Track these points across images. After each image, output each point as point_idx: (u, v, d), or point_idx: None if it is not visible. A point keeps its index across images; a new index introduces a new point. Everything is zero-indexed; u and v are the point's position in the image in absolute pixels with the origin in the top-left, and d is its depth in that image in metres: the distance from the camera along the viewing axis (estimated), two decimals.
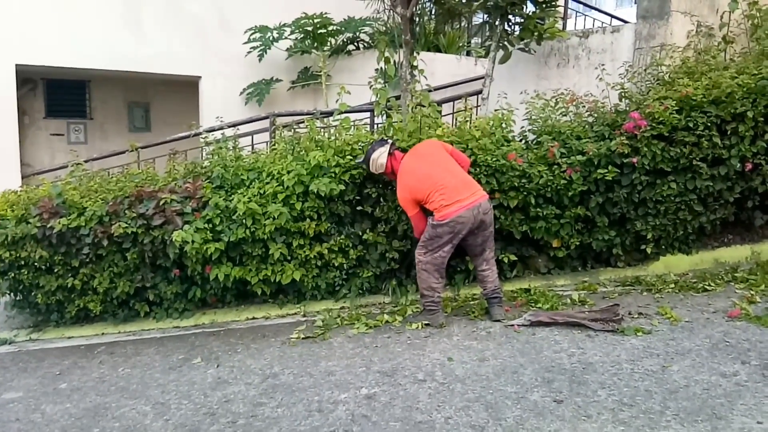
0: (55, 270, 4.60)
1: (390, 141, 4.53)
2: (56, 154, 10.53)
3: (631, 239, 5.12)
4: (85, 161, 5.54)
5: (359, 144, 4.82)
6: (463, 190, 4.12)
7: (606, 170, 4.78)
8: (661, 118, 4.82)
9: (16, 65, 8.30)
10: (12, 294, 4.84)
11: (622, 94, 5.36)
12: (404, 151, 4.59)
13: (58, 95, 10.76)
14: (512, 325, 4.15)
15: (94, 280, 4.63)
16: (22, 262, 4.55)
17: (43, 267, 4.60)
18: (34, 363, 4.17)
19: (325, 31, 9.26)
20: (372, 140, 4.76)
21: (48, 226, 4.45)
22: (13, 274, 4.61)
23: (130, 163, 6.50)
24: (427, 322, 4.28)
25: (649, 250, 5.10)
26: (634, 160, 4.76)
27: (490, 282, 4.32)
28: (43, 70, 9.26)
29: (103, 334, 4.72)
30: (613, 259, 5.21)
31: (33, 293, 4.70)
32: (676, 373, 3.32)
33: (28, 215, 4.55)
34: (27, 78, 9.94)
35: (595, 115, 5.34)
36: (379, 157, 4.39)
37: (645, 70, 5.67)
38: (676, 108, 4.84)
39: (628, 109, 5.18)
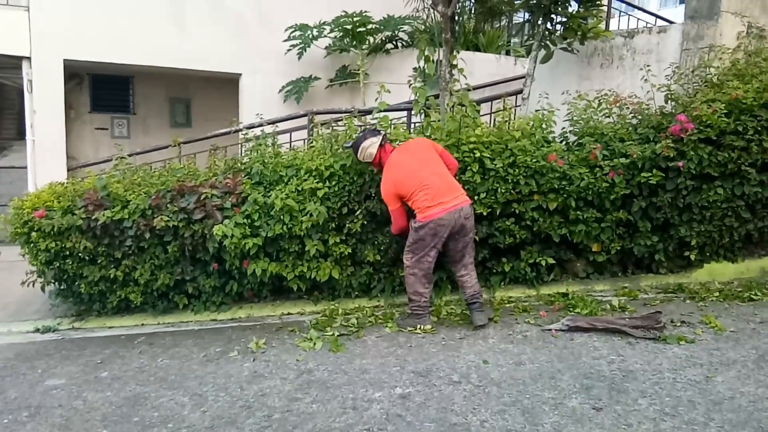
0: (99, 261, 4.71)
1: (383, 132, 4.48)
2: (100, 147, 10.79)
3: (675, 245, 5.00)
4: (129, 155, 5.66)
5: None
6: (447, 192, 4.11)
7: (650, 174, 4.67)
8: (708, 122, 4.69)
9: (64, 60, 8.54)
10: (56, 283, 4.97)
11: (668, 96, 5.23)
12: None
13: (103, 90, 11.04)
14: (550, 330, 4.09)
15: (135, 272, 4.72)
16: (67, 253, 4.66)
17: (87, 258, 4.71)
18: (76, 351, 4.27)
19: (364, 29, 9.26)
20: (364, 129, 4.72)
21: (93, 217, 4.55)
22: (58, 264, 4.73)
23: (172, 157, 6.60)
24: (414, 327, 4.26)
25: (692, 257, 4.96)
26: (680, 164, 4.64)
27: (469, 287, 4.27)
28: (90, 65, 9.49)
29: (143, 324, 4.82)
30: (654, 265, 5.09)
31: (76, 283, 4.82)
32: (721, 384, 3.22)
33: (73, 207, 4.67)
34: (74, 73, 10.21)
35: (640, 117, 5.23)
36: (370, 147, 4.35)
37: (692, 71, 5.52)
38: (725, 111, 4.71)
39: (674, 111, 5.06)
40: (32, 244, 4.65)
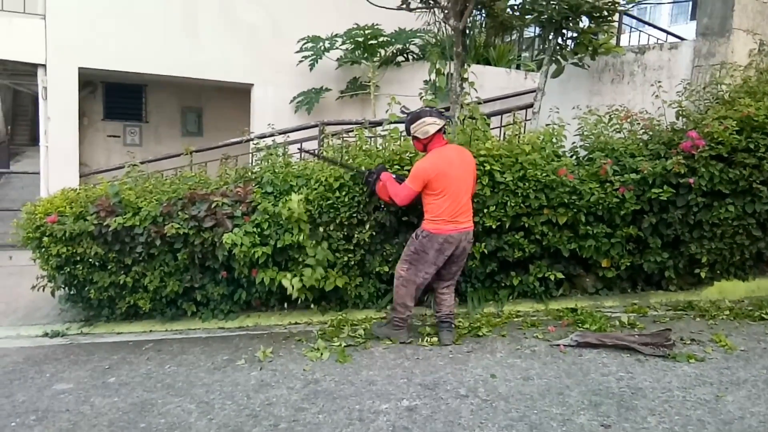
0: (109, 267, 4.74)
1: (447, 121, 4.34)
2: (112, 155, 10.91)
3: (685, 262, 4.96)
4: (141, 163, 5.71)
5: (408, 154, 4.82)
6: (464, 214, 4.15)
7: (661, 190, 4.65)
8: (720, 139, 4.67)
9: (79, 68, 8.65)
10: (66, 288, 5.00)
11: (680, 112, 5.22)
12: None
13: (116, 98, 11.16)
14: (558, 345, 4.06)
15: (145, 278, 4.75)
16: (78, 258, 4.70)
17: (98, 263, 4.75)
18: (84, 356, 4.29)
19: (375, 42, 9.33)
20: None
21: (104, 224, 4.59)
22: (68, 269, 4.77)
23: (183, 166, 6.65)
24: (388, 337, 4.28)
25: (703, 275, 4.93)
26: (691, 180, 4.62)
27: (446, 306, 4.29)
28: (104, 73, 9.61)
29: (151, 331, 4.83)
30: (664, 282, 5.05)
31: (86, 288, 4.85)
32: (731, 404, 3.19)
33: (85, 213, 4.70)
34: (88, 81, 10.34)
35: (651, 133, 5.22)
36: (431, 125, 4.16)
37: (704, 88, 5.51)
38: (737, 128, 4.69)
39: (685, 127, 5.04)
40: (43, 249, 4.69)
